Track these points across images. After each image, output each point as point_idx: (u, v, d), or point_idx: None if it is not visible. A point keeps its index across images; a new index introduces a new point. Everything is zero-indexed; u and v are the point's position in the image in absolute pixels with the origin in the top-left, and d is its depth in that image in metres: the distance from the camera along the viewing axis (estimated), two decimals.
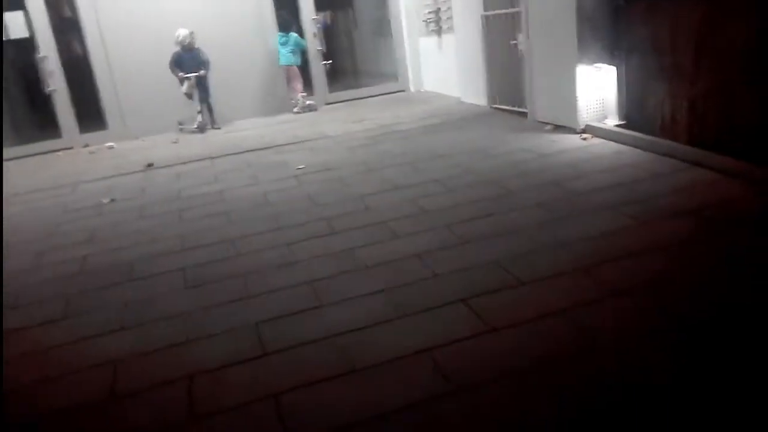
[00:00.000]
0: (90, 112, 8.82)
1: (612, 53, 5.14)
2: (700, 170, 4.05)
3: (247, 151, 6.73)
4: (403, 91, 9.89)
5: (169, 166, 6.52)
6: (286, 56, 9.08)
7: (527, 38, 5.93)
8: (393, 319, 2.71)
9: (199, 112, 8.47)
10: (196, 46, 8.42)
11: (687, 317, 2.40)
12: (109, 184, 6.02)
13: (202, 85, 8.50)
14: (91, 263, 3.88)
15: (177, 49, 8.36)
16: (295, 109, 9.19)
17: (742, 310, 2.40)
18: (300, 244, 3.75)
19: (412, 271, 3.16)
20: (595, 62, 5.26)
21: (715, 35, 4.07)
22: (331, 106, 9.36)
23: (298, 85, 9.22)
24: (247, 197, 4.92)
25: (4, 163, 8.05)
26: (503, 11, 6.37)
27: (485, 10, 6.75)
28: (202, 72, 8.39)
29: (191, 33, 8.36)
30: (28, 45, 8.31)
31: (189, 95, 8.46)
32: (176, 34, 8.31)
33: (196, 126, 8.46)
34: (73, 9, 8.42)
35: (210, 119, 8.66)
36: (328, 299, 2.97)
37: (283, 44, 9.06)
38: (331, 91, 9.76)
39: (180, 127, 8.67)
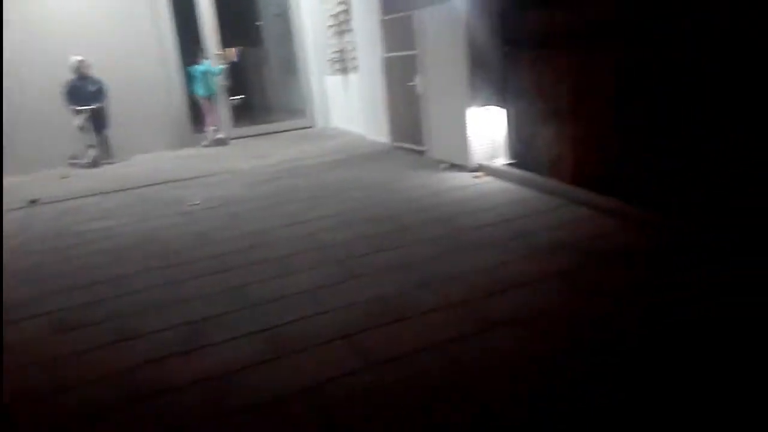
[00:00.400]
0: None
1: (502, 96, 5.42)
2: (579, 208, 4.30)
3: (142, 186, 6.49)
4: (311, 127, 9.96)
5: (55, 202, 6.16)
6: (197, 88, 8.92)
7: (423, 80, 6.16)
8: (273, 359, 2.65)
9: (93, 146, 8.11)
10: (91, 74, 8.11)
11: (567, 346, 2.51)
12: None
13: (97, 116, 8.17)
14: None
15: (71, 76, 8.02)
16: (204, 143, 9.02)
17: (618, 337, 2.54)
18: (187, 282, 3.62)
19: (299, 308, 3.12)
20: (486, 104, 5.52)
21: (588, 84, 4.39)
22: (237, 141, 9.25)
23: (209, 118, 9.07)
24: (136, 234, 4.72)
25: None
26: (402, 54, 6.59)
27: (386, 52, 6.96)
28: (96, 105, 8.07)
29: (84, 60, 8.06)
30: None
31: (83, 128, 8.10)
32: (70, 61, 7.99)
33: (89, 160, 8.08)
34: None
35: (105, 153, 8.31)
36: (208, 340, 2.87)
37: (193, 76, 8.91)
38: (237, 126, 9.67)
39: (72, 161, 8.25)
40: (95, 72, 8.15)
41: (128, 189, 6.42)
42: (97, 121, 8.22)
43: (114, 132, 8.42)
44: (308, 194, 5.48)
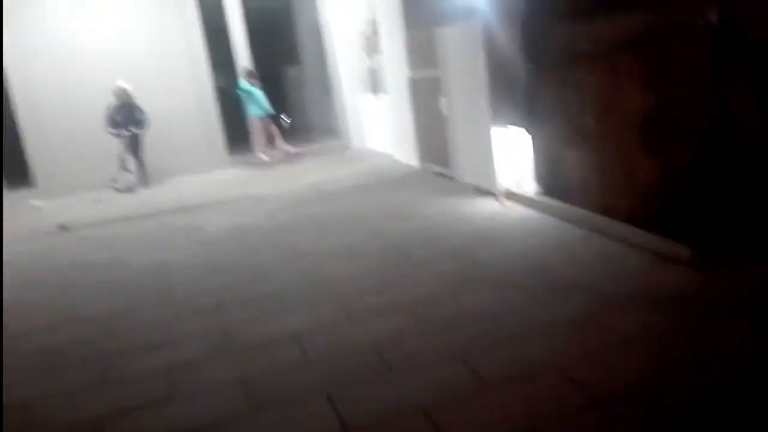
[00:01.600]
0: (19, 169, 8.50)
1: (527, 118, 5.09)
2: (604, 239, 3.93)
3: (167, 212, 6.48)
4: (346, 148, 9.82)
5: (80, 228, 6.21)
6: (250, 108, 8.93)
7: (448, 101, 5.90)
8: (248, 412, 2.44)
9: (129, 171, 8.22)
10: (132, 102, 8.23)
11: (562, 406, 2.19)
12: (13, 249, 5.66)
13: (135, 142, 8.28)
14: None
15: (114, 102, 8.15)
16: (263, 158, 9.03)
17: (637, 386, 2.20)
18: (180, 321, 3.48)
19: (283, 356, 2.91)
20: (511, 126, 5.21)
21: (617, 105, 4.03)
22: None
23: (260, 138, 9.07)
24: (145, 266, 4.64)
25: None
26: (427, 73, 6.35)
27: (412, 71, 6.74)
28: (135, 130, 8.18)
29: (128, 88, 8.18)
30: None
31: (121, 153, 8.22)
32: (114, 87, 8.12)
33: (125, 185, 8.18)
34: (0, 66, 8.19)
35: (141, 177, 8.41)
36: (182, 391, 2.70)
37: (243, 98, 8.95)
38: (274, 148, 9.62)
39: (113, 185, 8.36)
40: (137, 96, 8.28)
41: (153, 215, 6.42)
42: (135, 147, 8.33)
43: (150, 156, 8.51)
44: (322, 222, 5.30)
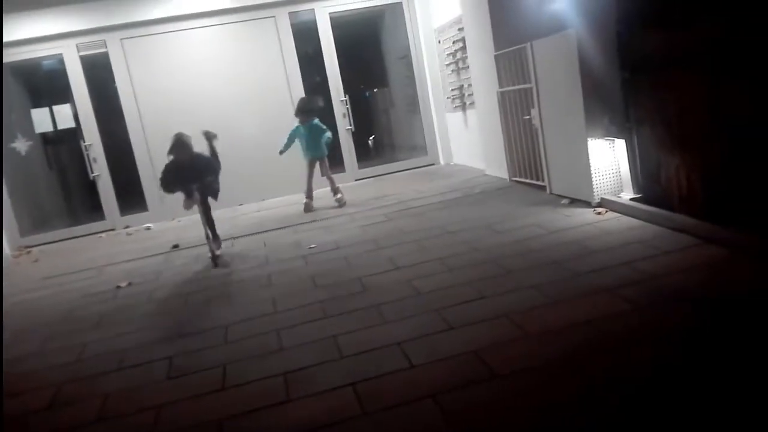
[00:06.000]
0: (131, 195, 9.27)
1: (622, 125, 5.01)
2: (712, 247, 3.81)
3: (267, 230, 6.85)
4: (432, 164, 9.97)
5: (192, 247, 6.68)
6: (306, 149, 7.61)
7: (539, 113, 5.90)
8: (360, 415, 2.58)
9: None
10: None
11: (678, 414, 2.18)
12: (132, 267, 6.20)
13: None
14: (89, 351, 3.93)
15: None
16: (307, 210, 7.62)
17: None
18: (289, 330, 3.70)
19: (389, 362, 3.03)
20: (606, 135, 5.15)
21: (723, 107, 3.91)
22: (360, 182, 9.50)
23: (312, 182, 7.70)
24: (251, 280, 4.95)
25: (51, 245, 8.55)
26: (516, 87, 6.39)
27: (501, 86, 6.79)
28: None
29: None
30: (74, 134, 8.90)
31: None
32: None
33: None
34: (115, 98, 8.99)
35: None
36: (298, 393, 2.88)
37: (295, 139, 7.63)
38: (360, 167, 9.92)
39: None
40: (238, 124, 8.80)
41: (255, 233, 6.81)
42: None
43: (244, 178, 8.97)
44: (414, 236, 5.42)
